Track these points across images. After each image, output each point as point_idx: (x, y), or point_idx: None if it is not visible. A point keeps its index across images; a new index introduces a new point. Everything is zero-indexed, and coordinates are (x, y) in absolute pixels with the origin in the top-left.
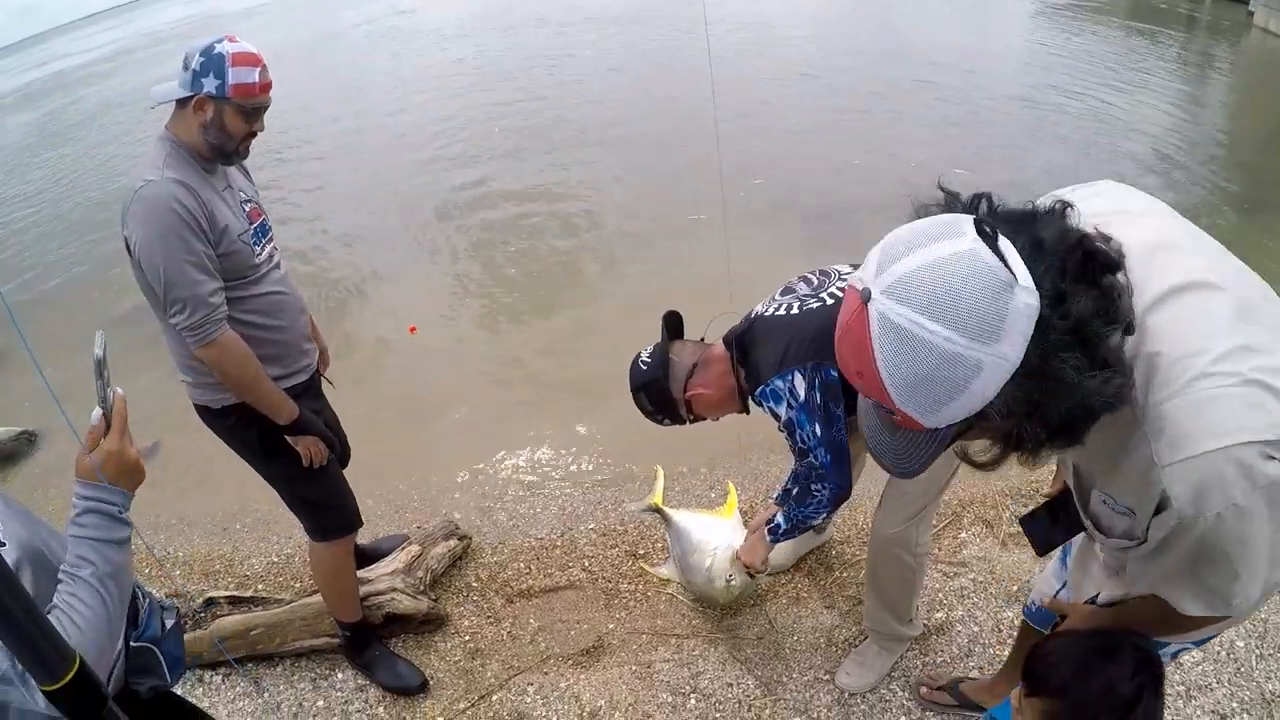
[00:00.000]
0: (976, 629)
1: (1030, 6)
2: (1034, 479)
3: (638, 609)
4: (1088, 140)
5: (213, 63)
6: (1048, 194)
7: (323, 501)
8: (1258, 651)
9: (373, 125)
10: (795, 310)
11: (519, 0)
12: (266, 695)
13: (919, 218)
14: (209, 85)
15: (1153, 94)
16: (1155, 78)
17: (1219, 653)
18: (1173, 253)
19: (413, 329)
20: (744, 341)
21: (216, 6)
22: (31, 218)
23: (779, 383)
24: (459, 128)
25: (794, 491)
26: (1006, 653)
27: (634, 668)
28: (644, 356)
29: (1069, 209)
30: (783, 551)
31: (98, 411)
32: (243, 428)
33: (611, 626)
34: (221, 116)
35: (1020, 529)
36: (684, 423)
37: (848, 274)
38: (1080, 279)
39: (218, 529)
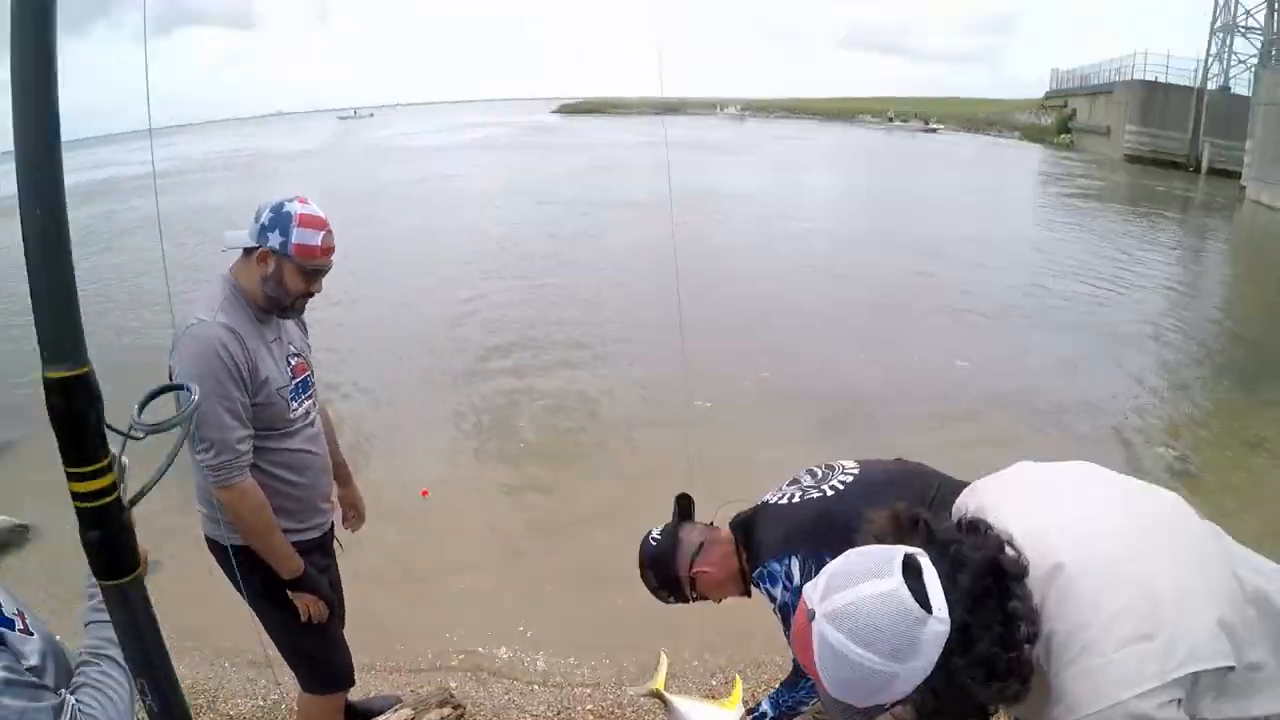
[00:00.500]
0: None
1: (1037, 199)
2: None
3: None
4: (1087, 325)
5: (280, 220)
6: (970, 487)
7: (319, 655)
8: None
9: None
10: (798, 499)
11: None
12: None
13: (870, 543)
14: (273, 240)
15: (1152, 275)
16: (1156, 255)
17: None
18: (1062, 531)
19: (425, 492)
20: (749, 526)
21: (266, 144)
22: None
23: (776, 565)
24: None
25: (787, 678)
26: None
27: None
28: (654, 534)
29: (989, 529)
30: None
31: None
32: (248, 570)
33: None
34: (282, 272)
35: None
36: (688, 600)
37: (851, 469)
38: (988, 602)
39: (206, 660)
